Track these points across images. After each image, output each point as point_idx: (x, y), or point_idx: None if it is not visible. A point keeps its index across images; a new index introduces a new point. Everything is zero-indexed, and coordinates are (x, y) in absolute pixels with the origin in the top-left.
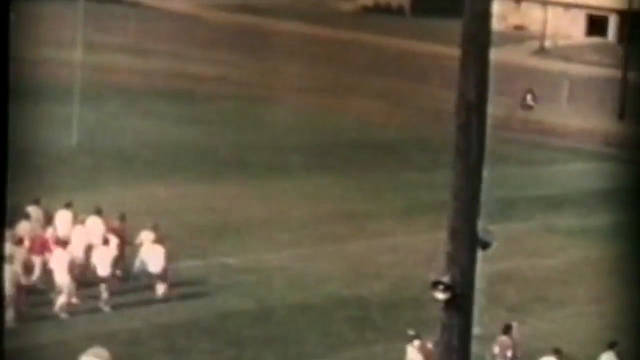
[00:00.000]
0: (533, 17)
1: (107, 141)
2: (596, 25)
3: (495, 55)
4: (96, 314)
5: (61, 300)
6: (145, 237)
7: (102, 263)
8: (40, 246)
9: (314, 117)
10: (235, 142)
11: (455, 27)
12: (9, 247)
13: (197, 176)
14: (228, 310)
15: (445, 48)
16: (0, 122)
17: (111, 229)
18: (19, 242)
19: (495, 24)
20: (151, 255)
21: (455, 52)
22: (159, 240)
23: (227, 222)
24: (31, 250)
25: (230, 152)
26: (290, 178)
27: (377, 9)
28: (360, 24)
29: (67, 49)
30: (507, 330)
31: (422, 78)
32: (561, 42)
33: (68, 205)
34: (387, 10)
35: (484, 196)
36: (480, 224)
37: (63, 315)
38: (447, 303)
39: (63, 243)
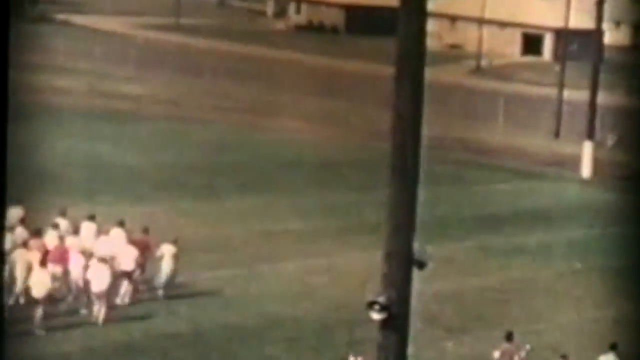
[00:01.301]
0: (469, 36)
1: (37, 161)
2: (532, 43)
3: (430, 74)
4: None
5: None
6: (167, 249)
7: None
8: (60, 256)
9: (247, 137)
10: (166, 162)
11: (390, 46)
12: (34, 255)
13: (127, 197)
14: (162, 332)
15: (380, 67)
16: None
17: (133, 241)
18: (45, 253)
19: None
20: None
21: (390, 71)
22: (176, 255)
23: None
24: (53, 259)
25: (161, 172)
26: (223, 198)
27: (310, 28)
28: (294, 43)
29: None
30: (509, 337)
31: (357, 97)
32: (497, 61)
33: (92, 218)
34: (321, 29)
35: (420, 216)
36: (416, 244)
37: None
38: (383, 323)
39: (86, 253)
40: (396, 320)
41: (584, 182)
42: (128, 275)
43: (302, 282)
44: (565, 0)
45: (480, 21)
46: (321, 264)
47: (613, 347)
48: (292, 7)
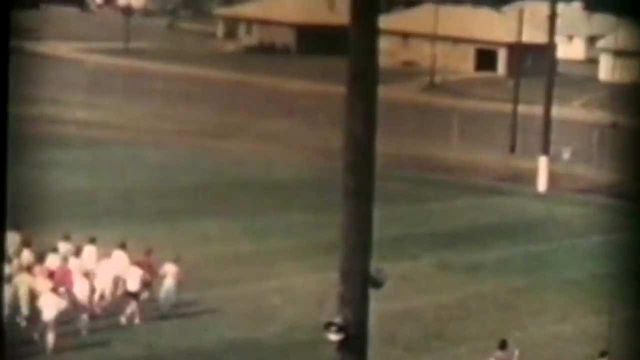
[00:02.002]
0: (422, 52)
1: None
2: (485, 59)
3: (383, 92)
4: None
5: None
6: (169, 269)
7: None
8: (63, 277)
9: (199, 160)
10: (119, 186)
11: (341, 65)
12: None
13: (80, 222)
14: (118, 357)
15: (332, 86)
16: None
17: (136, 263)
18: (49, 275)
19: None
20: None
21: (342, 90)
22: (178, 274)
23: None
24: (57, 281)
25: (113, 197)
26: (176, 221)
27: (261, 49)
28: (245, 64)
29: None
30: (503, 345)
31: (309, 117)
32: (451, 77)
33: (93, 241)
34: (272, 49)
35: (375, 235)
36: (373, 263)
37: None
38: (341, 344)
39: (87, 275)
40: (354, 341)
41: (540, 196)
42: (134, 295)
43: (258, 304)
44: (517, 15)
45: (433, 38)
46: (277, 285)
47: (603, 355)
48: (242, 28)
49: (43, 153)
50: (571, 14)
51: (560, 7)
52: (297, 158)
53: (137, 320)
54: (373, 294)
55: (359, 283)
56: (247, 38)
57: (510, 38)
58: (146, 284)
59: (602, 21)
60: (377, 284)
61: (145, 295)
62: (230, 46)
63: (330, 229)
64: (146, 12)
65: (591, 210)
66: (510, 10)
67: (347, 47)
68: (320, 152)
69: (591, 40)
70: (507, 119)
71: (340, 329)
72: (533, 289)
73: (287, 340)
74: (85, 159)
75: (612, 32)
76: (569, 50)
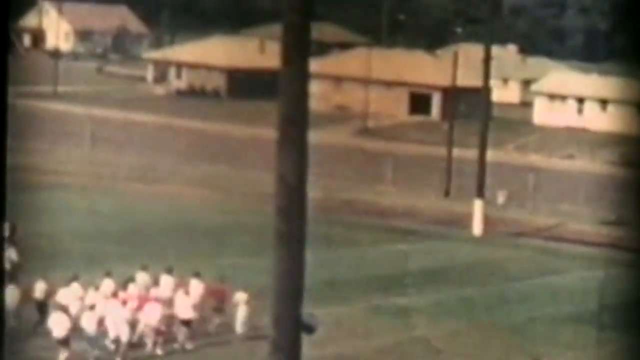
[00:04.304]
0: (355, 96)
1: None
2: (420, 103)
3: (316, 136)
4: None
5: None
6: (240, 297)
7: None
8: (141, 304)
9: (129, 205)
10: (47, 231)
11: (273, 108)
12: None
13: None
14: None
15: (263, 130)
16: None
17: (211, 291)
18: (123, 302)
19: (316, 105)
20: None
21: (273, 134)
22: (249, 301)
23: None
24: (136, 308)
25: (43, 242)
26: (107, 267)
27: (191, 92)
28: (175, 108)
29: None
30: None
31: (241, 161)
32: (385, 121)
33: (169, 271)
34: (202, 93)
35: (307, 280)
36: (305, 308)
37: None
38: None
39: (164, 302)
40: None
41: (475, 240)
42: (187, 323)
43: None
44: (452, 58)
45: (366, 81)
46: None
47: None
48: (172, 72)
49: None
50: (506, 57)
51: (495, 51)
52: (228, 202)
53: (189, 346)
54: (305, 339)
55: (291, 328)
56: (177, 82)
57: (445, 81)
58: (218, 310)
59: (536, 64)
60: (310, 329)
61: (217, 321)
62: (160, 90)
63: (263, 273)
64: (75, 56)
65: (526, 253)
66: (444, 54)
67: (278, 91)
68: (251, 196)
69: (526, 83)
70: (442, 162)
71: None
72: (467, 333)
73: None
74: (11, 204)
75: (545, 75)
76: (504, 93)
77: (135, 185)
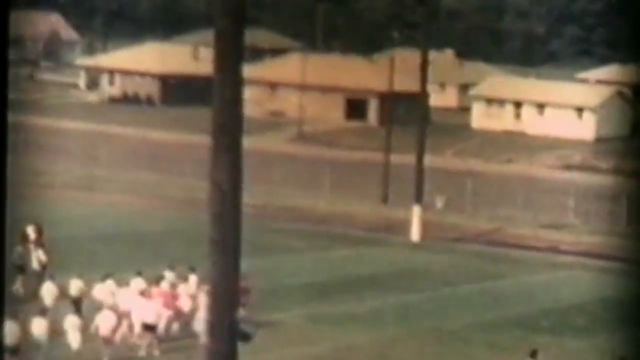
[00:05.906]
0: (290, 102)
1: None
2: (356, 108)
3: (251, 142)
4: None
5: None
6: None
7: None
8: (171, 299)
9: (63, 212)
10: None
11: (207, 115)
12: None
13: None
14: None
15: (197, 137)
16: None
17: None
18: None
19: (250, 111)
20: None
21: (208, 140)
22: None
23: None
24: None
25: None
26: None
27: (125, 99)
28: (108, 115)
29: None
30: (534, 355)
31: (174, 168)
32: (320, 127)
33: (192, 270)
34: (136, 100)
35: (244, 286)
36: (241, 316)
37: None
38: None
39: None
40: None
41: (413, 245)
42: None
43: None
44: (389, 63)
45: (301, 87)
46: None
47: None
48: (105, 79)
49: None
50: (443, 62)
51: (432, 55)
52: (163, 209)
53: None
54: (242, 347)
55: (226, 336)
56: (110, 88)
57: (382, 87)
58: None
59: (473, 69)
60: (246, 337)
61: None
62: (93, 97)
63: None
64: None
65: (465, 258)
66: (381, 58)
67: (212, 98)
68: (186, 204)
69: (464, 88)
70: (379, 168)
71: None
72: (407, 340)
73: None
74: None
75: (483, 79)
76: (442, 98)
77: (68, 193)
